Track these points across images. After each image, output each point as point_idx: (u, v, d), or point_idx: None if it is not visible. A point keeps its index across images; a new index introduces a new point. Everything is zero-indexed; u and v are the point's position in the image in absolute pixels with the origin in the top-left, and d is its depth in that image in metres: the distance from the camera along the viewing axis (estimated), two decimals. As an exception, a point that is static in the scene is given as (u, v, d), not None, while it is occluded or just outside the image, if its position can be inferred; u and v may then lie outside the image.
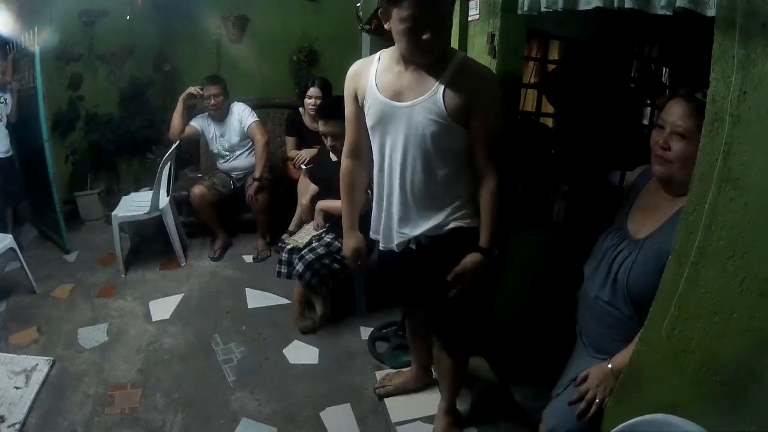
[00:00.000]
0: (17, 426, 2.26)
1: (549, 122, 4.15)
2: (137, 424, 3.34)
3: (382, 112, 2.37)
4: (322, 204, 3.90)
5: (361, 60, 2.54)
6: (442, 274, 2.45)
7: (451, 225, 2.43)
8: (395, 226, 2.52)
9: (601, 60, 3.64)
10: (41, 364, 2.61)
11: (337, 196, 2.98)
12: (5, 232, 5.05)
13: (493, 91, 2.25)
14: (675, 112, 2.05)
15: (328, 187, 3.77)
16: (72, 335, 4.25)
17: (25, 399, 2.39)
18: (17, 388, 2.47)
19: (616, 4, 1.87)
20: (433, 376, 3.47)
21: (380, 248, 2.68)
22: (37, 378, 2.53)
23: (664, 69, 3.95)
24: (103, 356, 3.98)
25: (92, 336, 4.25)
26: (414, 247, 2.54)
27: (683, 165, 1.99)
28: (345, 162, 2.72)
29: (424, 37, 2.09)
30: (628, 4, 1.80)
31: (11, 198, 6.00)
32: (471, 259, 2.40)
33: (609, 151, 3.35)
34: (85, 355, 4.00)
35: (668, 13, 1.65)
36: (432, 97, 2.22)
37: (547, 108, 3.91)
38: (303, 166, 4.96)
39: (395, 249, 2.58)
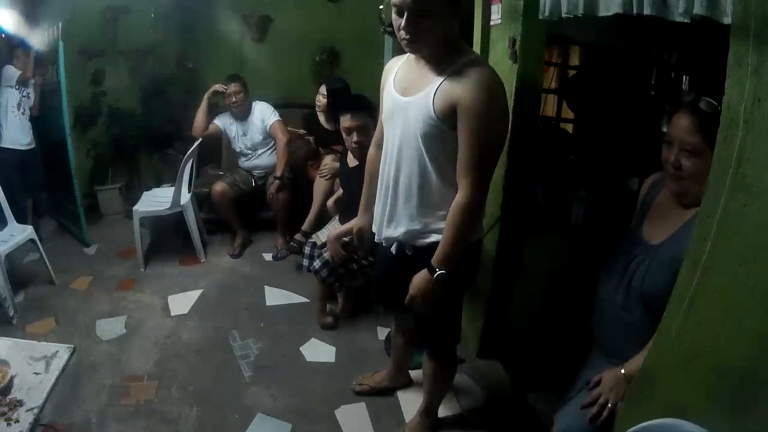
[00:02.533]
0: (35, 410, 2.24)
1: (569, 127, 4.09)
2: (152, 416, 3.33)
3: (390, 106, 2.39)
4: (335, 232, 3.87)
5: (397, 57, 2.53)
6: None
7: (432, 238, 2.36)
8: (384, 222, 2.52)
9: (621, 66, 3.62)
10: (62, 351, 2.59)
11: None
12: (25, 223, 5.11)
13: (482, 97, 2.05)
14: (682, 128, 2.04)
15: (353, 195, 3.75)
16: (90, 326, 4.26)
17: (44, 384, 2.37)
18: (36, 373, 2.45)
19: (635, 10, 1.87)
20: (411, 378, 3.53)
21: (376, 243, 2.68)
22: (57, 364, 2.51)
23: (684, 76, 3.90)
24: (120, 348, 3.99)
25: (110, 328, 4.25)
26: (396, 253, 2.54)
27: (696, 180, 1.99)
28: (371, 150, 2.75)
29: (400, 23, 2.09)
30: (646, 11, 1.79)
31: (32, 189, 6.05)
32: (417, 279, 2.35)
33: (627, 157, 3.33)
34: (102, 346, 4.02)
35: (686, 21, 1.63)
36: (426, 95, 2.18)
37: (567, 113, 3.88)
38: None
39: (383, 242, 2.58)
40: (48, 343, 2.68)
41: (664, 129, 3.24)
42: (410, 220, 2.39)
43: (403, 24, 2.09)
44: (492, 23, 3.14)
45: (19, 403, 2.29)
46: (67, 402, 3.33)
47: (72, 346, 2.64)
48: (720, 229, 1.45)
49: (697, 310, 1.56)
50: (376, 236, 2.64)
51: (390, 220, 2.48)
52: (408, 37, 2.12)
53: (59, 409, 3.25)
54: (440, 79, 2.15)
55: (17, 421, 2.21)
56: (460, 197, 2.18)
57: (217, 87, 5.43)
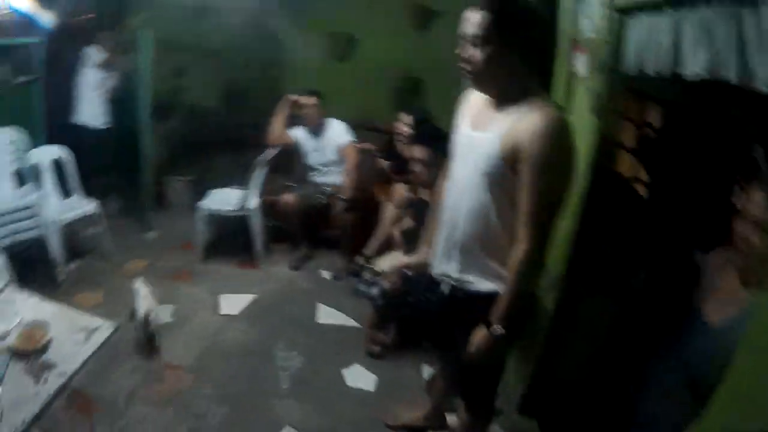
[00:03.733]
0: (66, 376, 2.20)
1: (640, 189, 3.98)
2: (180, 407, 3.32)
3: (459, 140, 2.35)
4: (397, 263, 3.79)
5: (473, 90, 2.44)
6: (467, 334, 2.29)
7: (486, 285, 2.27)
8: (442, 256, 2.44)
9: (700, 131, 3.51)
10: (104, 327, 2.56)
11: None
12: (91, 198, 5.20)
13: (547, 146, 1.95)
14: (756, 202, 1.94)
15: (420, 232, 3.66)
16: None
17: (80, 355, 2.35)
18: (75, 342, 2.40)
19: (719, 75, 1.80)
20: (447, 421, 3.37)
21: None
22: (97, 339, 2.48)
23: (758, 146, 3.75)
24: (164, 335, 3.95)
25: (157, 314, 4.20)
26: (449, 294, 2.45)
27: (761, 259, 1.89)
28: (442, 184, 2.68)
29: (461, 53, 2.09)
30: (729, 77, 1.73)
31: (101, 168, 6.14)
32: (475, 336, 2.24)
33: (697, 227, 3.20)
34: (146, 330, 3.99)
35: None
36: (493, 134, 2.10)
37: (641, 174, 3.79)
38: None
39: (438, 277, 2.49)
40: (93, 316, 2.63)
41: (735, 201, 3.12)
42: (465, 264, 2.32)
43: (463, 54, 2.09)
44: (576, 73, 3.06)
45: (53, 365, 2.26)
46: (100, 374, 3.33)
47: (116, 324, 2.60)
48: None
49: (749, 401, 1.41)
50: (433, 269, 2.55)
51: (448, 256, 2.39)
52: (468, 68, 2.11)
53: (91, 378, 3.23)
54: (510, 120, 2.07)
55: (46, 381, 2.19)
56: (519, 249, 2.08)
57: (292, 97, 5.42)
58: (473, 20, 2.03)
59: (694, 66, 1.93)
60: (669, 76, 2.18)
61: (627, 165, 3.76)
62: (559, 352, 3.09)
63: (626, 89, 2.78)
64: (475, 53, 2.05)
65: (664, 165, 3.53)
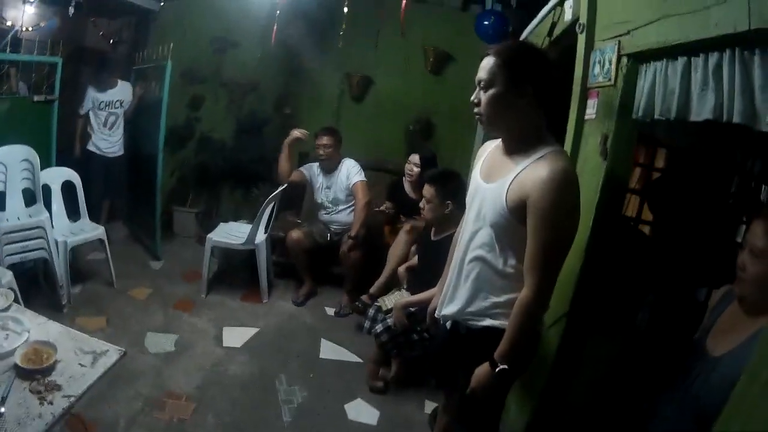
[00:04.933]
0: (72, 399, 2.20)
1: (645, 229, 4.03)
2: None
3: (473, 188, 2.39)
4: (403, 301, 3.81)
5: (491, 140, 2.51)
6: (469, 369, 2.32)
7: (487, 322, 2.31)
8: (446, 300, 2.49)
9: (704, 171, 3.53)
10: (112, 352, 2.54)
11: (432, 279, 2.95)
12: (98, 223, 5.28)
13: (551, 195, 1.99)
14: (754, 232, 1.97)
15: (427, 267, 3.67)
16: (139, 336, 4.26)
17: (87, 378, 2.33)
18: (82, 365, 2.40)
19: (725, 118, 1.88)
20: None
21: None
22: (104, 363, 2.46)
23: (763, 186, 3.76)
24: (166, 364, 3.97)
25: (159, 342, 4.24)
26: (450, 330, 2.51)
27: (756, 285, 1.94)
28: (457, 232, 2.66)
29: (474, 97, 2.18)
30: (736, 119, 1.80)
31: (111, 194, 6.32)
32: (479, 372, 2.27)
33: (699, 265, 3.22)
34: (148, 357, 4.00)
35: None
36: (501, 186, 2.15)
37: (646, 215, 3.81)
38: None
39: (441, 320, 2.56)
40: (100, 340, 2.63)
41: (739, 239, 3.14)
42: (467, 302, 2.36)
43: (474, 98, 2.17)
44: (586, 117, 3.11)
45: (58, 387, 2.25)
46: (100, 398, 3.32)
47: (123, 349, 2.59)
48: None
49: (749, 428, 1.40)
50: (436, 312, 2.60)
51: (451, 300, 2.45)
52: (477, 110, 2.18)
53: (91, 402, 3.22)
54: (517, 170, 2.12)
55: (51, 403, 2.16)
56: (525, 293, 2.12)
57: (297, 134, 5.42)
58: (483, 65, 2.13)
59: (701, 110, 2.00)
60: (677, 121, 2.23)
61: (632, 206, 3.79)
62: (563, 388, 3.08)
63: (635, 134, 2.79)
64: (482, 96, 2.13)
65: (668, 206, 3.56)
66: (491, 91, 2.09)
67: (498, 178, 2.19)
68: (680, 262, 3.38)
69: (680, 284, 3.15)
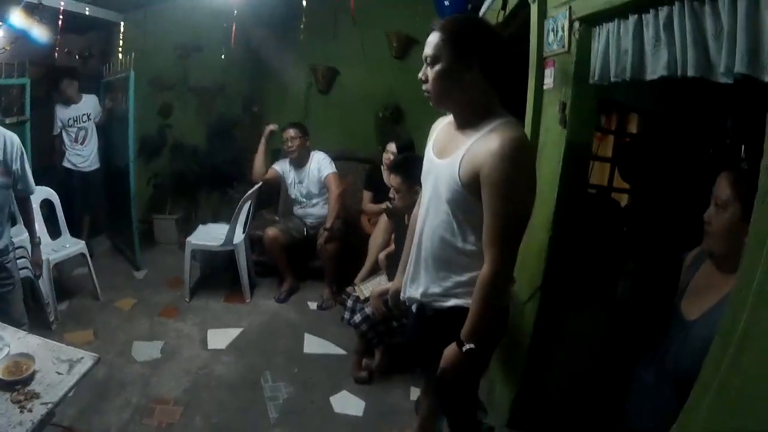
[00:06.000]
0: (49, 405, 2.27)
1: (624, 198, 4.04)
2: None
3: (426, 167, 2.38)
4: (378, 289, 3.84)
5: (442, 117, 2.51)
6: (440, 350, 2.31)
7: (452, 302, 2.30)
8: (409, 281, 2.49)
9: (677, 134, 3.55)
10: (86, 358, 2.60)
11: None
12: (79, 238, 5.32)
13: (504, 165, 1.96)
14: (719, 184, 2.00)
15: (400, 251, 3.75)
16: (126, 346, 4.31)
17: (63, 385, 2.39)
18: (59, 373, 2.47)
19: (679, 72, 1.87)
20: None
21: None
22: (80, 369, 2.52)
23: (741, 143, 3.80)
24: (153, 371, 4.01)
25: (146, 350, 4.29)
26: (417, 313, 2.53)
27: (722, 237, 1.97)
28: (414, 210, 2.67)
29: (420, 74, 2.19)
30: (690, 72, 1.78)
31: (89, 208, 6.34)
32: (447, 352, 2.26)
33: (682, 229, 3.26)
34: (135, 366, 4.05)
35: (729, 81, 1.60)
36: (453, 160, 2.14)
37: (623, 183, 3.83)
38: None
39: (406, 302, 2.57)
40: (75, 348, 2.69)
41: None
42: (430, 283, 2.36)
43: (420, 74, 2.18)
44: (545, 87, 3.11)
45: (36, 395, 2.31)
46: (90, 410, 3.37)
47: (97, 355, 2.65)
48: (756, 303, 1.30)
49: (727, 393, 1.40)
50: (401, 294, 2.61)
51: (413, 281, 2.45)
52: (425, 87, 2.18)
53: (82, 415, 3.29)
54: (468, 144, 2.10)
55: (30, 410, 2.23)
56: (485, 269, 2.10)
57: (272, 126, 5.52)
58: (429, 40, 2.12)
59: (656, 66, 2.00)
60: (645, 85, 2.25)
61: (602, 174, 3.82)
62: (545, 363, 3.11)
63: (594, 100, 2.82)
64: (429, 72, 2.13)
65: (641, 171, 3.58)
66: (437, 67, 2.10)
67: (450, 153, 2.18)
68: (660, 227, 3.41)
69: (662, 249, 3.15)
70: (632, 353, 2.42)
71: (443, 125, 2.40)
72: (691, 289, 2.22)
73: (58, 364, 2.54)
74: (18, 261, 3.74)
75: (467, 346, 2.17)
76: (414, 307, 2.52)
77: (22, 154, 3.35)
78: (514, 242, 2.13)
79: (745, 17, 1.47)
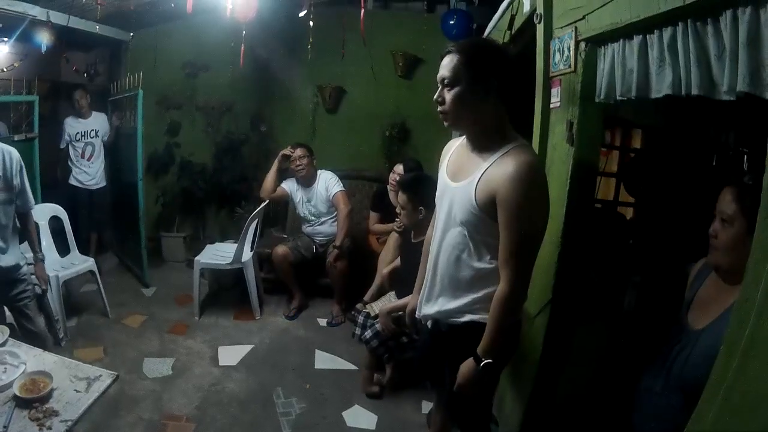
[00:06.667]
0: (69, 423, 2.26)
1: (629, 212, 4.03)
2: None
3: (441, 188, 2.42)
4: (387, 306, 3.88)
5: (455, 138, 2.55)
6: (454, 365, 2.36)
7: (467, 317, 2.34)
8: (424, 299, 2.53)
9: (681, 149, 3.58)
10: (104, 376, 2.61)
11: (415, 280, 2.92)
12: (87, 255, 5.35)
13: (518, 188, 2.03)
14: (723, 199, 2.02)
15: (409, 269, 3.76)
16: (137, 362, 4.32)
17: (82, 402, 2.40)
18: (77, 391, 2.47)
19: (683, 91, 1.88)
20: None
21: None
22: (98, 387, 2.53)
23: (744, 156, 3.82)
24: (164, 387, 4.02)
25: (156, 367, 4.30)
26: (432, 329, 2.55)
27: (728, 252, 1.98)
28: (429, 231, 2.70)
29: (435, 96, 2.22)
30: (694, 91, 1.80)
31: (97, 225, 6.41)
32: (464, 368, 2.30)
33: (687, 241, 3.27)
34: (146, 383, 4.06)
35: (731, 99, 1.62)
36: (469, 184, 2.18)
37: (628, 197, 3.85)
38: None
39: (422, 320, 2.60)
40: (93, 366, 2.70)
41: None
42: (445, 300, 2.39)
43: (437, 96, 2.21)
44: (552, 106, 3.15)
45: (55, 413, 2.32)
46: (103, 427, 3.37)
47: (116, 373, 2.66)
48: (760, 312, 1.33)
49: (733, 401, 1.42)
50: (416, 312, 2.63)
51: (428, 299, 2.49)
52: (442, 109, 2.21)
53: (94, 431, 3.27)
54: (484, 168, 2.16)
55: (50, 428, 2.23)
56: (502, 287, 2.15)
57: (286, 151, 5.53)
58: (445, 63, 2.16)
59: (661, 86, 2.02)
60: (648, 103, 2.27)
61: (608, 188, 3.83)
62: (555, 377, 3.12)
63: (600, 117, 2.84)
64: (446, 94, 2.15)
65: (646, 185, 3.60)
66: (457, 89, 2.12)
67: (465, 176, 2.22)
68: (666, 240, 3.43)
69: (668, 261, 3.16)
70: (639, 364, 2.43)
71: (456, 148, 2.44)
72: (697, 300, 2.24)
73: (75, 381, 2.55)
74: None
75: (485, 362, 2.20)
76: (429, 323, 2.55)
77: (21, 168, 3.39)
78: (529, 261, 2.20)
79: (746, 37, 1.50)
